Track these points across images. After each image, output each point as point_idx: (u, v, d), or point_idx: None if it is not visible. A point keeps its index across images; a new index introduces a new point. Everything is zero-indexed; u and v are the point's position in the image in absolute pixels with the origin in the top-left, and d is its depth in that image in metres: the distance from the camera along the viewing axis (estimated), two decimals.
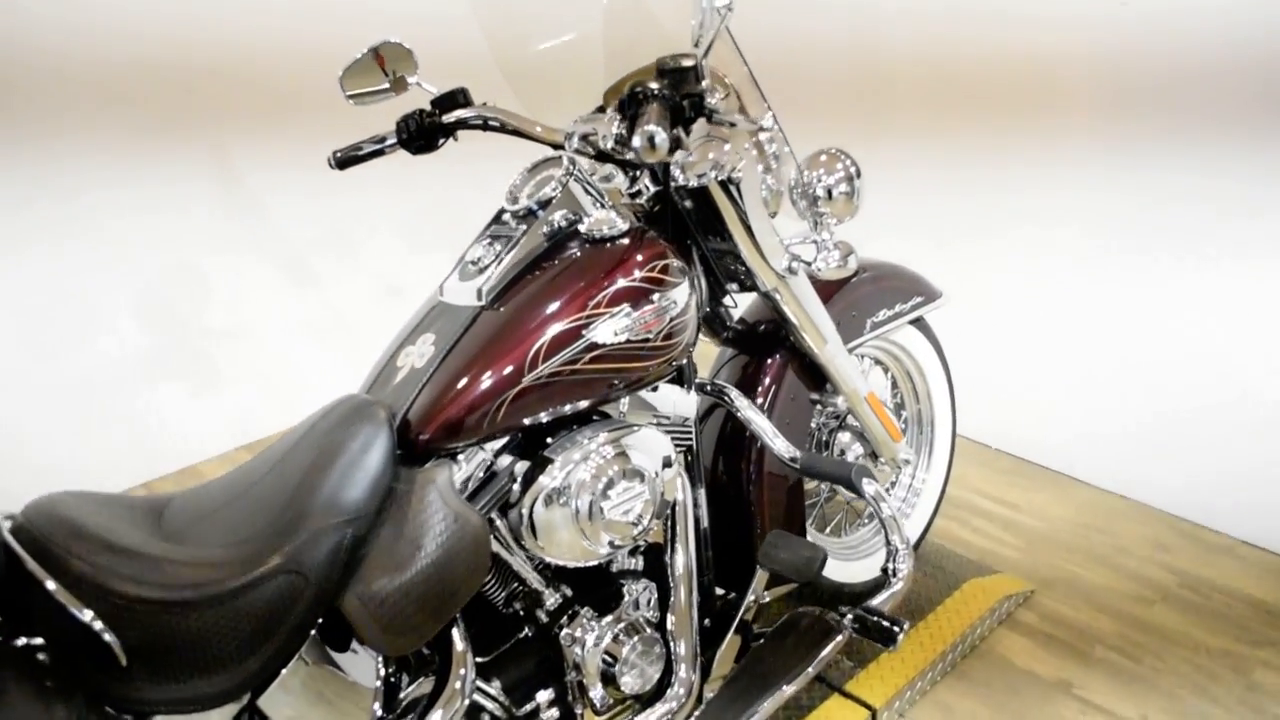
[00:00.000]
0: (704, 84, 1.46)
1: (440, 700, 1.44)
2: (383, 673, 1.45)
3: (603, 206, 1.65)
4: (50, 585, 1.13)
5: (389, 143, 1.80)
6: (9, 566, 1.16)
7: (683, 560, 1.72)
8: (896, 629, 1.68)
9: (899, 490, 2.39)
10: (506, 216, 1.62)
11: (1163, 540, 2.68)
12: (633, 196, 1.75)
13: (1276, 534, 2.63)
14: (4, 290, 2.78)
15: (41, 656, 1.15)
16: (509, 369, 1.44)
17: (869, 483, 1.74)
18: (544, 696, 1.59)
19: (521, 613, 1.61)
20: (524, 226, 1.58)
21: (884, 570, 1.77)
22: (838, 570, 2.20)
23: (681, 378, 1.75)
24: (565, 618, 1.61)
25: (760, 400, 1.96)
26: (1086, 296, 2.97)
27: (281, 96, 3.08)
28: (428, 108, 1.80)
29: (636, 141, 1.34)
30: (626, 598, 1.66)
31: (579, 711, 1.61)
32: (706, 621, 1.82)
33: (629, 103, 1.47)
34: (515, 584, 1.59)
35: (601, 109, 1.75)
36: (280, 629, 1.25)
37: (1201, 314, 2.74)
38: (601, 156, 1.66)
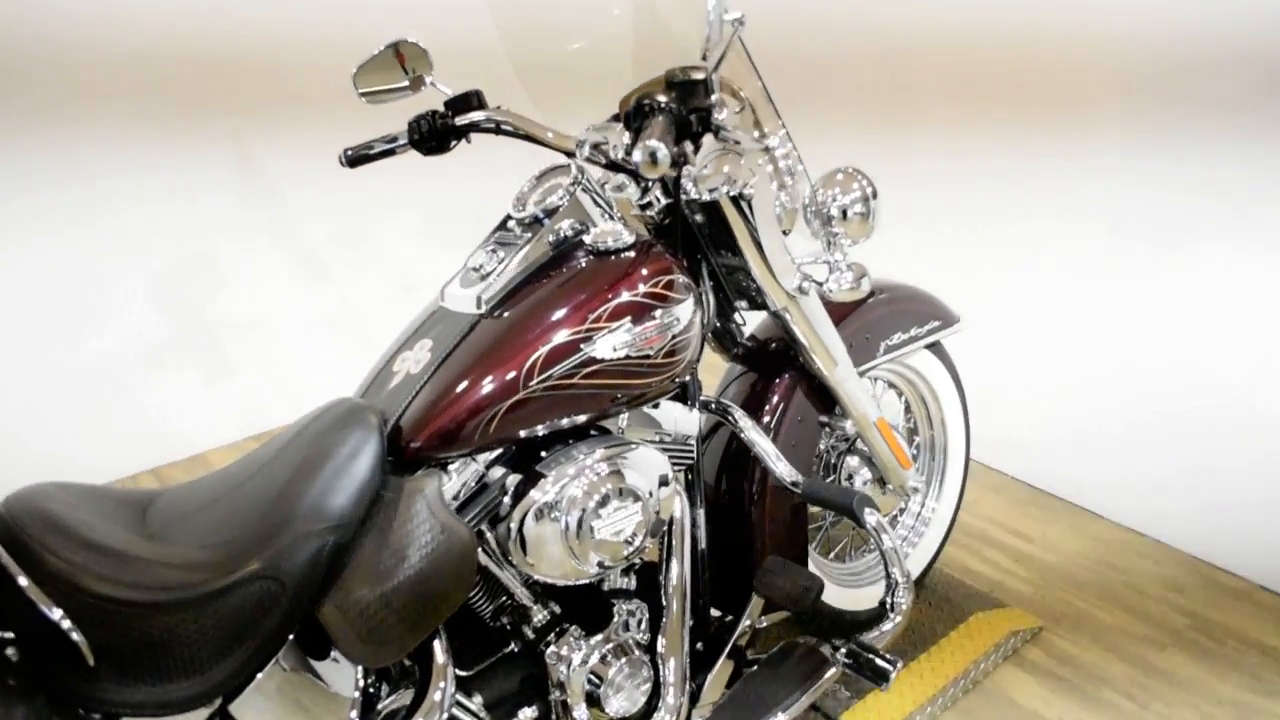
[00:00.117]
0: (714, 98, 1.42)
1: (419, 713, 1.41)
2: (361, 683, 1.42)
3: (610, 218, 1.62)
4: (22, 581, 1.12)
5: (400, 143, 1.79)
6: None
7: (677, 581, 1.68)
8: (889, 667, 1.63)
9: (906, 518, 2.35)
10: (512, 223, 1.59)
11: (1178, 581, 2.61)
12: (643, 208, 1.72)
13: None
14: (16, 275, 2.78)
15: (10, 651, 1.13)
16: (504, 380, 1.41)
17: (871, 513, 1.70)
18: (527, 715, 1.56)
19: (508, 627, 1.58)
20: (529, 235, 1.55)
21: (882, 604, 1.72)
22: (839, 597, 2.15)
23: (685, 394, 1.72)
24: (553, 635, 1.58)
25: (767, 419, 1.93)
26: (1115, 322, 2.90)
27: (301, 86, 3.07)
28: (440, 109, 1.78)
29: (637, 156, 1.31)
30: (616, 618, 1.62)
31: None
32: (699, 645, 1.78)
33: (635, 115, 1.44)
34: (503, 598, 1.56)
35: (616, 117, 1.72)
36: (254, 636, 1.23)
37: (1236, 351, 2.67)
38: (612, 166, 1.63)
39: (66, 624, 1.11)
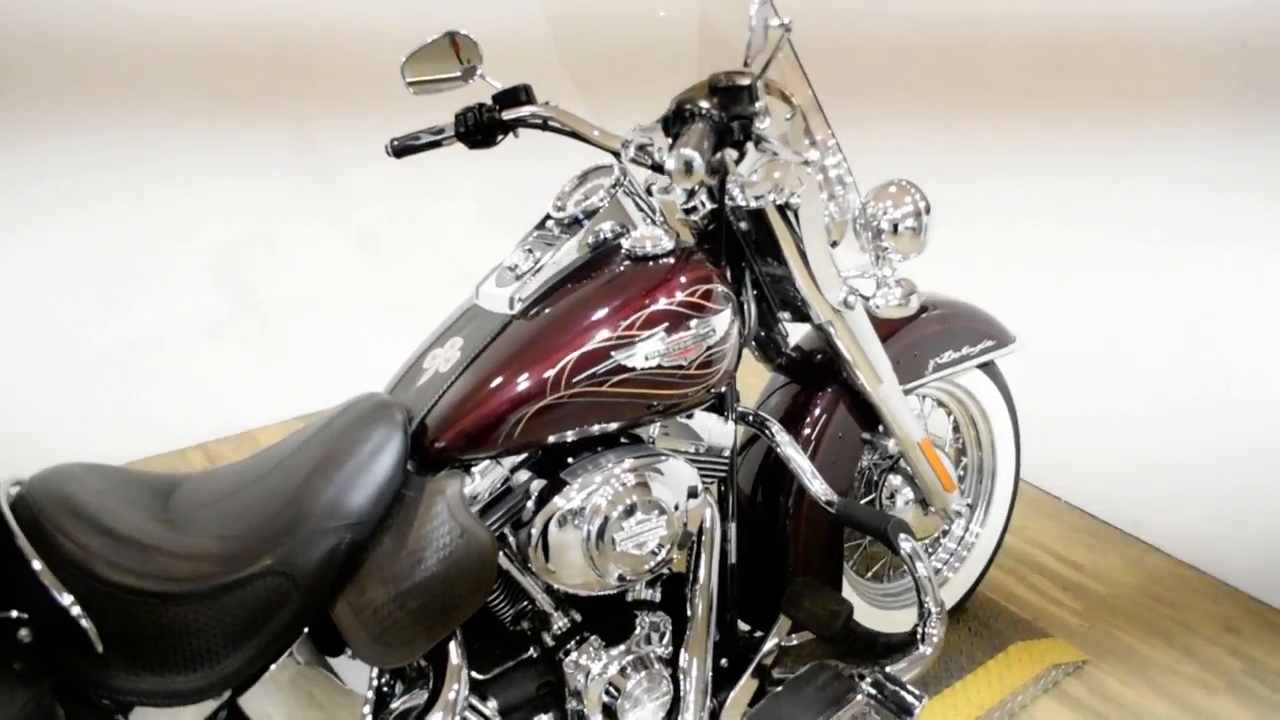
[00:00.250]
0: (758, 105, 1.37)
1: (432, 714, 1.40)
2: (375, 682, 1.41)
3: (652, 222, 1.58)
4: (36, 565, 1.12)
5: (447, 134, 1.78)
6: (2, 540, 1.15)
7: (703, 595, 1.65)
8: (915, 702, 1.58)
9: (948, 542, 2.28)
10: (550, 223, 1.57)
11: (1235, 622, 2.50)
12: (688, 212, 1.67)
13: None
14: (78, 248, 2.84)
15: (23, 633, 1.13)
16: (532, 384, 1.39)
17: (906, 539, 1.64)
18: None
19: (528, 632, 1.56)
20: (566, 236, 1.52)
21: (913, 633, 1.67)
22: (874, 618, 2.10)
23: (722, 405, 1.68)
24: (573, 643, 1.55)
25: (807, 433, 1.88)
26: (1190, 345, 2.78)
27: (362, 69, 3.07)
28: (488, 102, 1.76)
29: (671, 164, 1.26)
30: (639, 630, 1.59)
31: None
32: (723, 661, 1.74)
33: (674, 119, 1.40)
34: (524, 603, 1.54)
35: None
36: (263, 631, 1.22)
37: None
38: (657, 168, 1.59)
39: (76, 610, 1.11)
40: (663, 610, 1.65)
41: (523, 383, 1.39)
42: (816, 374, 1.91)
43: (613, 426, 1.47)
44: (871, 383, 1.82)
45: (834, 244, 1.72)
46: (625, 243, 1.52)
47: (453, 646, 1.43)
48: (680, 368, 1.47)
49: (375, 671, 1.41)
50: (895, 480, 2.04)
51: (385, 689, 1.43)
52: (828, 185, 1.66)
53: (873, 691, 1.61)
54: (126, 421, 2.95)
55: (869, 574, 2.19)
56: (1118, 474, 2.91)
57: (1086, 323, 2.99)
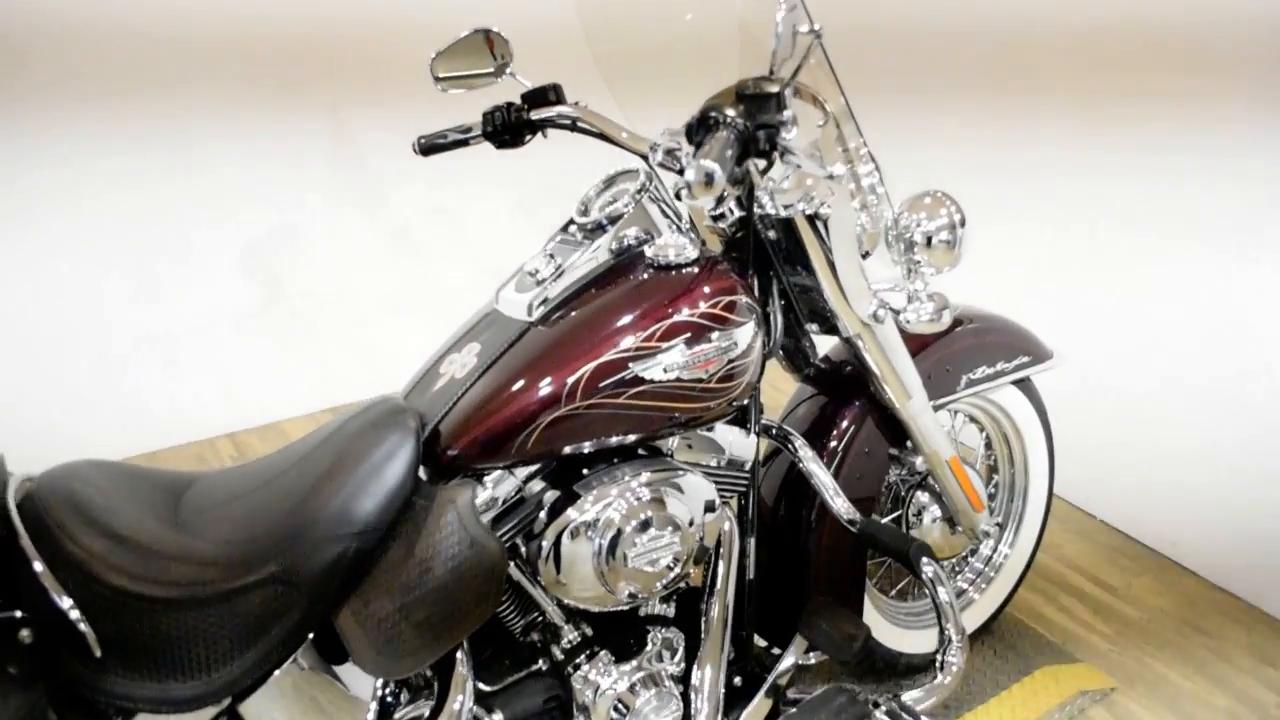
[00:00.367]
0: (785, 114, 1.33)
1: None
2: (379, 690, 1.39)
3: (678, 229, 1.54)
4: (37, 566, 1.11)
5: (474, 134, 1.76)
6: (7, 539, 1.14)
7: (719, 611, 1.61)
8: None
9: (976, 561, 2.22)
10: (573, 228, 1.53)
11: (1270, 653, 2.42)
12: (716, 219, 1.64)
13: None
14: (110, 230, 2.84)
15: (24, 633, 1.12)
16: (547, 394, 1.36)
17: (928, 563, 1.60)
18: None
19: (537, 644, 1.53)
20: (589, 242, 1.49)
21: (933, 661, 1.62)
22: (896, 637, 2.05)
23: (745, 418, 1.64)
24: (582, 657, 1.52)
25: (833, 445, 1.84)
26: (1238, 363, 2.70)
27: (400, 62, 3.06)
28: (517, 101, 1.73)
29: (690, 175, 1.22)
30: (650, 646, 1.56)
31: None
32: (737, 679, 1.71)
33: (698, 127, 1.35)
34: (534, 614, 1.51)
35: None
36: (265, 639, 1.21)
37: None
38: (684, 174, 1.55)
39: (75, 614, 1.10)
40: (677, 625, 1.62)
41: (538, 392, 1.36)
42: (845, 386, 1.87)
43: (630, 439, 1.44)
44: (900, 398, 1.77)
45: (865, 255, 1.68)
46: (648, 251, 1.48)
47: (460, 656, 1.41)
48: (700, 381, 1.43)
49: (379, 680, 1.38)
50: (923, 497, 1.99)
51: (390, 698, 1.41)
52: (860, 194, 1.62)
53: None
54: (154, 410, 2.97)
55: (893, 592, 2.14)
56: (1155, 493, 2.83)
57: (1128, 335, 2.91)
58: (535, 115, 1.72)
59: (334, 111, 3.11)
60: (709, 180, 1.19)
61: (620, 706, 1.51)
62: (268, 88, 2.95)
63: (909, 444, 1.88)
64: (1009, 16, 3.06)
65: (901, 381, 1.76)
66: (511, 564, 1.43)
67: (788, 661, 1.71)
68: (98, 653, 1.12)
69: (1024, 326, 2.04)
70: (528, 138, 1.76)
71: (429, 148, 1.78)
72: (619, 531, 1.39)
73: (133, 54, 2.76)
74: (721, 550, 1.61)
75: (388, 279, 3.33)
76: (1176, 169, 2.77)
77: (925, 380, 1.81)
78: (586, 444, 1.41)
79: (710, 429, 1.59)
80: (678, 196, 1.56)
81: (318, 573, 1.23)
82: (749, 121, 1.31)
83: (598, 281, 1.47)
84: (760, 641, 1.84)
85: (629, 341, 1.39)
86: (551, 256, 1.50)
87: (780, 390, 1.98)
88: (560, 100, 1.74)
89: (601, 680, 1.51)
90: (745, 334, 1.47)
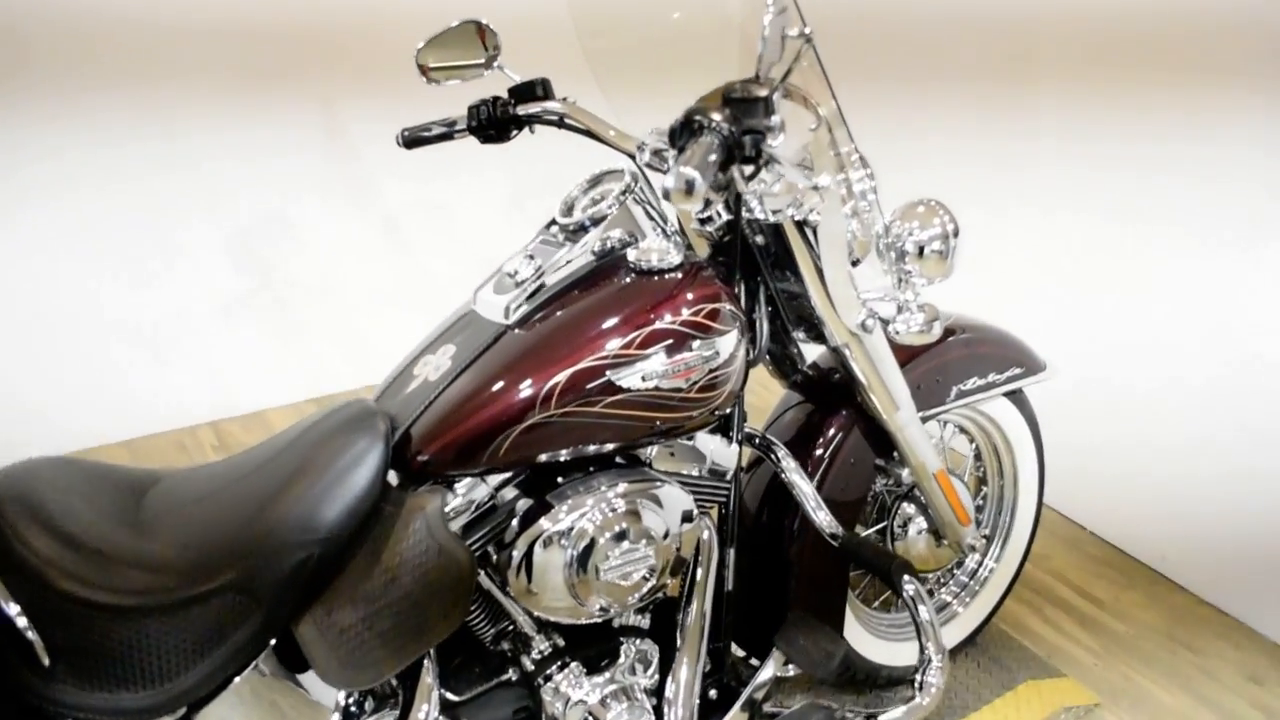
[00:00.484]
0: (773, 120, 1.29)
1: None
2: (343, 700, 1.36)
3: (663, 232, 1.50)
4: None
5: (459, 127, 1.72)
6: None
7: (695, 623, 1.58)
8: None
9: (961, 574, 2.18)
10: (555, 229, 1.49)
11: (1257, 671, 2.39)
12: (703, 222, 1.59)
13: None
14: (97, 219, 2.81)
15: None
16: (521, 401, 1.32)
17: (909, 581, 1.56)
18: None
19: (507, 654, 1.50)
20: (570, 244, 1.45)
21: (911, 681, 1.59)
22: (878, 649, 2.02)
23: (728, 425, 1.60)
24: (553, 668, 1.48)
25: (819, 453, 1.80)
26: (1235, 375, 2.66)
27: (392, 52, 3.01)
28: (504, 95, 1.69)
29: (669, 182, 1.17)
30: (623, 658, 1.53)
31: None
32: (712, 692, 1.67)
33: (681, 131, 1.31)
34: (504, 623, 1.48)
35: None
36: (221, 648, 1.17)
37: None
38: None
39: (23, 621, 1.07)
40: (652, 636, 1.59)
41: (511, 398, 1.32)
42: (832, 394, 1.83)
43: (606, 448, 1.40)
44: (887, 410, 1.73)
45: (856, 263, 1.63)
46: (631, 255, 1.45)
47: (426, 664, 1.38)
48: (680, 390, 1.39)
49: (342, 691, 1.35)
50: (908, 508, 1.96)
51: (353, 706, 1.38)
52: (851, 200, 1.57)
53: None
54: (137, 397, 2.93)
55: (876, 603, 2.11)
56: (1146, 506, 2.80)
57: (1122, 339, 2.87)
58: (522, 110, 1.69)
59: (324, 102, 3.07)
60: (689, 189, 1.15)
61: (591, 719, 1.48)
62: (256, 77, 2.91)
63: (896, 455, 1.84)
64: (1006, 4, 3.01)
65: (889, 392, 1.72)
66: (482, 573, 1.40)
67: (765, 674, 1.67)
68: (46, 661, 1.08)
69: (1017, 337, 2.01)
70: (513, 133, 1.73)
71: (412, 141, 1.75)
72: (592, 544, 1.36)
73: (119, 44, 2.72)
74: (700, 560, 1.57)
75: (376, 269, 3.30)
76: (1178, 162, 2.72)
77: (915, 391, 1.78)
78: (561, 452, 1.37)
79: (691, 437, 1.55)
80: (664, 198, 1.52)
81: (277, 581, 1.19)
82: (734, 126, 1.26)
83: (578, 285, 1.43)
84: (739, 651, 1.81)
85: (607, 348, 1.35)
86: (531, 257, 1.46)
87: (769, 390, 1.94)
88: (548, 95, 1.70)
89: (572, 692, 1.47)
90: (728, 343, 1.43)
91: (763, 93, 1.26)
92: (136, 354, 2.95)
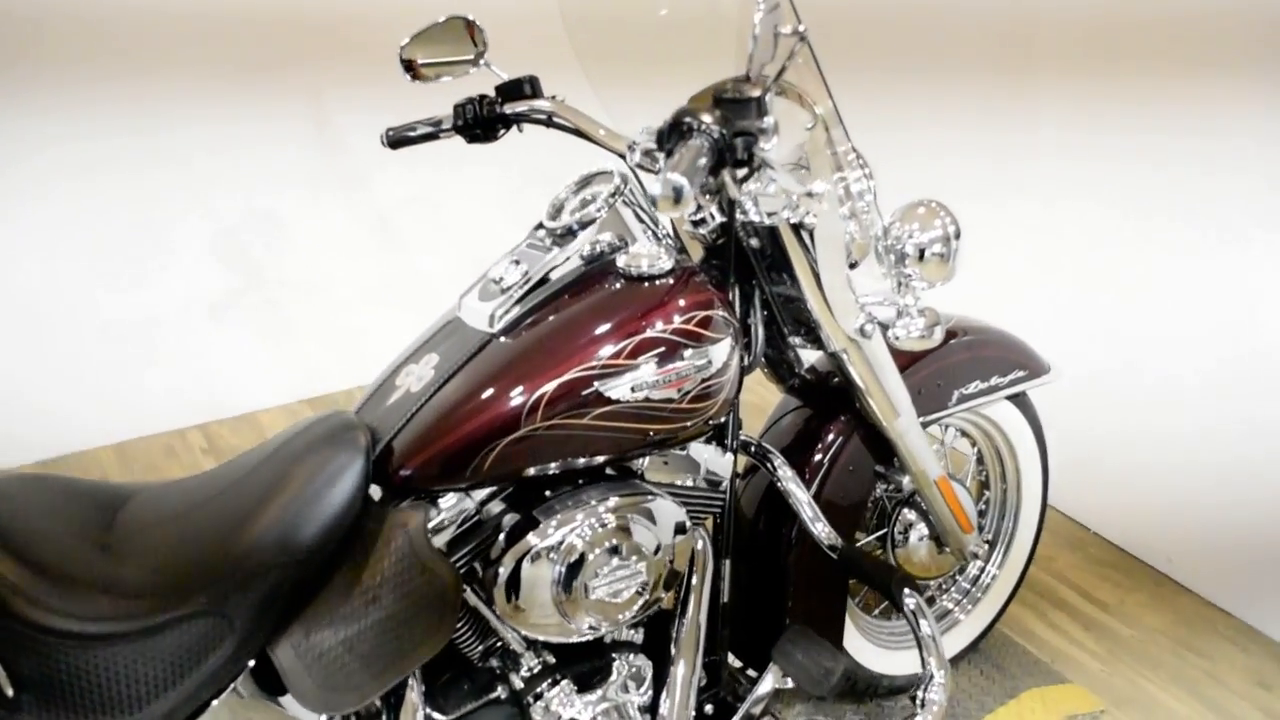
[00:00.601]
0: (766, 121, 1.24)
1: None
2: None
3: (654, 235, 1.45)
4: None
5: (445, 127, 1.67)
6: None
7: (689, 638, 1.54)
8: None
9: (963, 581, 2.14)
10: (542, 233, 1.44)
11: (1266, 676, 2.34)
12: (696, 224, 1.54)
13: None
14: (82, 216, 2.76)
15: None
16: (506, 413, 1.27)
17: (910, 595, 1.52)
18: None
19: (496, 671, 1.45)
20: (558, 249, 1.40)
21: (912, 698, 1.54)
22: (879, 658, 1.97)
23: (722, 434, 1.55)
24: (543, 686, 1.44)
25: (818, 459, 1.75)
26: (1228, 370, 2.61)
27: (382, 44, 2.96)
28: (490, 93, 1.64)
29: (656, 189, 1.12)
30: (616, 675, 1.48)
31: None
32: (708, 707, 1.63)
33: (670, 133, 1.26)
34: (492, 640, 1.43)
35: None
36: (193, 674, 1.13)
37: None
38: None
39: None
40: (646, 650, 1.54)
41: (496, 411, 1.27)
42: (830, 399, 1.78)
43: (596, 460, 1.35)
44: (887, 416, 1.69)
45: (853, 265, 1.58)
46: (620, 260, 1.39)
47: (411, 683, 1.34)
48: (671, 401, 1.35)
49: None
50: (909, 515, 1.91)
51: None
52: (848, 201, 1.52)
53: None
54: (124, 400, 2.89)
55: (876, 611, 2.06)
56: (1151, 506, 2.75)
57: (1125, 338, 2.82)
58: (509, 109, 1.64)
59: (313, 95, 3.01)
60: (676, 196, 1.10)
61: None
62: (243, 70, 2.86)
63: (896, 461, 1.80)
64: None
65: (889, 399, 1.67)
66: (468, 589, 1.36)
67: (763, 689, 1.63)
68: (10, 692, 1.04)
69: (1020, 338, 1.96)
70: (501, 132, 1.68)
71: (397, 140, 1.70)
72: (581, 561, 1.31)
73: (102, 36, 2.67)
74: (694, 572, 1.53)
75: (367, 266, 3.25)
76: (1181, 154, 2.66)
77: (915, 395, 1.73)
78: (549, 466, 1.32)
79: (684, 447, 1.50)
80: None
81: (253, 604, 1.15)
82: (725, 128, 1.21)
83: (565, 292, 1.38)
84: (734, 661, 1.77)
85: (595, 358, 1.30)
86: (518, 262, 1.41)
87: (768, 388, 1.89)
88: (537, 94, 1.65)
89: (563, 711, 1.43)
90: (721, 351, 1.38)
91: (755, 93, 1.20)
92: (123, 355, 2.91)
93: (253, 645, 1.16)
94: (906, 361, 1.74)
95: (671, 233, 1.56)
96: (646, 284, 1.37)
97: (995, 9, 2.97)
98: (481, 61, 1.67)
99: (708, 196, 1.30)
